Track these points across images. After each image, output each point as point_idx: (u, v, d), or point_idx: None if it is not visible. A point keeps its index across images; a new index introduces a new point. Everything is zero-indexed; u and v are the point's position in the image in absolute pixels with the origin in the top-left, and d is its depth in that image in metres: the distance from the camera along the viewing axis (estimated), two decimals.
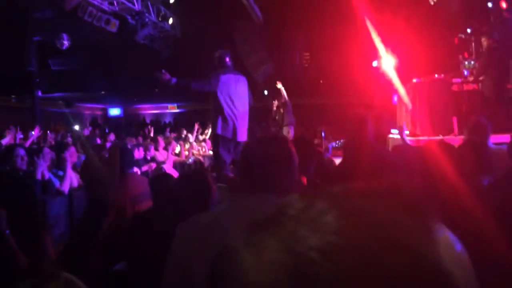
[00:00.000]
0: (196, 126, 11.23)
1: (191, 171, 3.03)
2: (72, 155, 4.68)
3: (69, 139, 8.66)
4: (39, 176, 3.91)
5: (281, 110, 10.58)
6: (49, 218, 4.14)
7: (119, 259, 2.99)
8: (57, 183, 4.23)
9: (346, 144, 3.55)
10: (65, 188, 4.23)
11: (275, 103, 10.90)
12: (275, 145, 1.50)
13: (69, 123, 17.34)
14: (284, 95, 10.38)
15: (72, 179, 4.39)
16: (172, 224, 2.61)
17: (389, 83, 11.13)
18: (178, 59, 14.61)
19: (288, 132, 10.18)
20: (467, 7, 9.89)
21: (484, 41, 7.50)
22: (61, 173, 4.33)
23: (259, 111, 17.22)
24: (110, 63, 15.43)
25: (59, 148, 4.94)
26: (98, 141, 8.34)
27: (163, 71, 5.08)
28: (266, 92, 20.66)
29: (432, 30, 11.39)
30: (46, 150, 4.41)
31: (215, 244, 1.31)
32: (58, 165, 4.42)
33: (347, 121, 3.44)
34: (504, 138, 5.12)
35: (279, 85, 10.31)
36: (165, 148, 8.46)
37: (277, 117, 10.78)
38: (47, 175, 4.13)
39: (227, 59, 5.54)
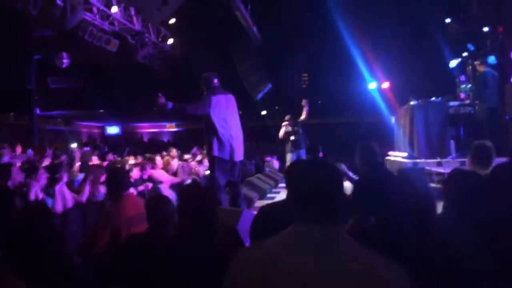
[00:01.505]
0: (195, 149, 11.23)
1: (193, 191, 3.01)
2: (64, 176, 4.64)
3: (64, 158, 8.62)
4: (32, 197, 3.87)
5: (300, 131, 9.70)
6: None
7: (112, 282, 2.93)
8: (50, 202, 4.19)
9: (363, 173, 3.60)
10: (58, 208, 4.18)
11: (288, 122, 9.86)
12: (327, 172, 1.48)
13: (66, 141, 17.34)
14: (307, 113, 9.61)
15: (67, 199, 4.35)
16: (168, 247, 2.58)
17: (386, 105, 11.20)
18: (177, 79, 14.72)
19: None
20: (464, 31, 10.01)
21: (478, 66, 7.58)
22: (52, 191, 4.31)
23: (257, 131, 17.28)
24: (109, 82, 15.52)
25: (53, 168, 4.91)
26: (95, 159, 8.30)
27: (160, 94, 5.06)
28: (264, 112, 20.78)
29: (429, 53, 11.52)
30: (41, 170, 4.38)
31: (285, 274, 1.29)
32: (51, 184, 4.39)
33: (358, 152, 3.54)
34: (498, 162, 5.12)
35: (304, 102, 9.50)
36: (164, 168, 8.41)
37: (293, 138, 9.78)
38: (41, 195, 4.09)
39: (215, 80, 5.51)
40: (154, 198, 2.97)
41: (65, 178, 4.65)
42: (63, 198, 4.41)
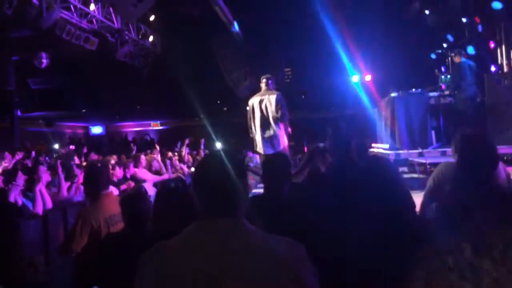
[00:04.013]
0: (187, 141, 11.12)
1: (173, 187, 3.01)
2: (43, 175, 4.57)
3: (45, 159, 8.51)
4: (12, 200, 3.81)
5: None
6: (23, 241, 4.03)
7: (92, 283, 2.91)
8: (29, 205, 4.13)
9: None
10: (39, 209, 4.13)
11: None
12: (219, 164, 1.45)
13: (49, 142, 17.10)
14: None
15: (46, 200, 4.29)
16: (144, 246, 2.57)
17: (369, 98, 11.28)
18: (159, 76, 14.60)
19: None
20: (443, 22, 10.11)
21: (454, 57, 7.67)
22: (31, 194, 4.24)
23: (241, 127, 17.21)
24: (91, 81, 15.34)
25: (31, 170, 4.84)
26: (77, 160, 8.22)
27: None
28: (248, 108, 20.73)
29: (410, 46, 11.61)
30: (19, 173, 4.31)
31: (194, 272, 1.27)
32: (29, 187, 4.32)
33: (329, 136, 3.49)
34: None
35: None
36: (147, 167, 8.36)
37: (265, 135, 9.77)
38: (20, 201, 4.02)
39: (262, 81, 6.43)
40: (129, 196, 2.94)
41: (43, 179, 4.58)
42: (43, 199, 4.34)
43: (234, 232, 1.38)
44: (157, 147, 9.49)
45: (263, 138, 6.25)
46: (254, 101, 6.32)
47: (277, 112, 6.19)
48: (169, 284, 1.33)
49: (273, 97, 6.21)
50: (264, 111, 6.26)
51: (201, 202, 1.45)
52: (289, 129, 6.72)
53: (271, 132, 6.23)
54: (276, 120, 6.23)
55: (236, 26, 12.62)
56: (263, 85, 6.39)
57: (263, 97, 6.27)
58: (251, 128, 6.43)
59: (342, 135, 3.28)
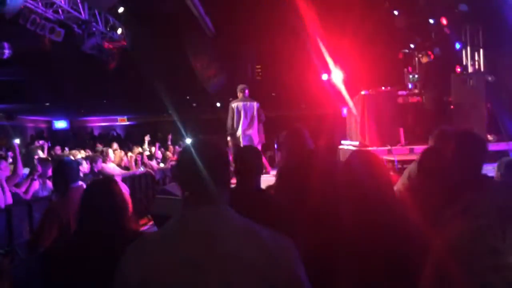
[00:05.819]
0: (147, 138, 11.00)
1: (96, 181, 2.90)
2: (4, 170, 4.36)
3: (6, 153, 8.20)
4: None
5: None
6: None
7: (61, 277, 2.80)
8: None
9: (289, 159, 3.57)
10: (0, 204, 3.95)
11: None
12: (208, 152, 1.45)
13: (10, 137, 16.45)
14: None
15: (6, 196, 4.11)
16: (114, 240, 2.48)
17: (338, 96, 11.43)
18: (127, 70, 14.30)
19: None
20: (410, 23, 10.33)
21: (422, 57, 7.87)
22: None
23: (211, 123, 17.12)
24: (55, 74, 14.83)
25: None
26: (40, 153, 7.94)
27: None
28: (218, 104, 20.61)
29: (378, 45, 11.82)
30: None
31: (181, 261, 1.24)
32: None
33: (285, 138, 3.51)
34: None
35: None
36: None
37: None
38: None
39: (246, 91, 7.91)
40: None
41: (3, 173, 4.39)
42: (3, 193, 4.16)
43: (220, 219, 1.37)
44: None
45: (243, 133, 7.62)
46: (238, 104, 7.76)
47: (259, 116, 7.81)
48: (156, 274, 1.30)
49: (254, 104, 7.83)
50: (248, 114, 7.74)
51: (185, 190, 1.43)
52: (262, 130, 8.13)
53: (250, 130, 7.68)
54: (254, 122, 7.77)
55: (208, 22, 12.50)
56: (241, 93, 7.82)
57: (245, 103, 7.76)
58: (232, 126, 7.72)
59: (299, 133, 3.29)
